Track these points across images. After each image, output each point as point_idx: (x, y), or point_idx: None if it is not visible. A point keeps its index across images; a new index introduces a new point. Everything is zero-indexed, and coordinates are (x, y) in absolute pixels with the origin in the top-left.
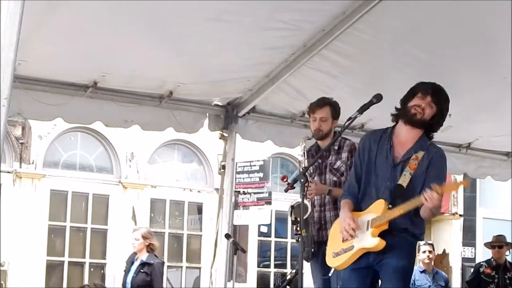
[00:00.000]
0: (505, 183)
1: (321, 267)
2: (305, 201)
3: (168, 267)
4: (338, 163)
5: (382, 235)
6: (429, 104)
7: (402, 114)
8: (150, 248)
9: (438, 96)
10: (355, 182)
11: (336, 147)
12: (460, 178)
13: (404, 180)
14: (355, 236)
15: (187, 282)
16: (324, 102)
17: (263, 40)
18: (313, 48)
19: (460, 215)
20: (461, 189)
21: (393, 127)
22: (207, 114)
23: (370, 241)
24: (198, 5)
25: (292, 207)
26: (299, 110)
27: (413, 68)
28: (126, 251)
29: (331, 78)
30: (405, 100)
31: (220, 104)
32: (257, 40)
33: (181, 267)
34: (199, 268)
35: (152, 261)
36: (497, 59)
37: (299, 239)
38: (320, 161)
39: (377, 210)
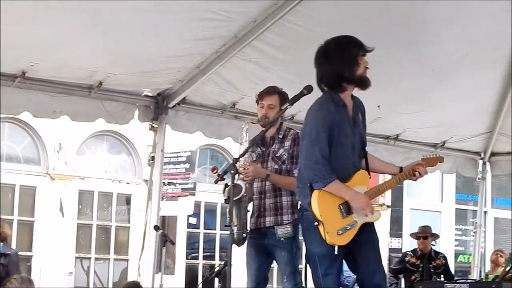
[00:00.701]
0: (433, 174)
1: (256, 256)
2: (240, 182)
3: (96, 259)
4: (281, 151)
5: None
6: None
7: (360, 82)
8: (2, 237)
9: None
10: (329, 156)
11: (280, 136)
12: None
13: (365, 144)
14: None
15: (114, 274)
16: (274, 91)
17: (194, 31)
18: (244, 39)
19: (388, 206)
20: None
21: (336, 93)
22: (137, 105)
23: (373, 215)
24: None
25: (226, 185)
26: (229, 101)
27: None
28: (53, 243)
29: (262, 69)
30: (352, 67)
31: (150, 95)
32: (188, 30)
33: (109, 259)
34: (127, 260)
35: (9, 252)
36: (425, 51)
37: (229, 223)
38: (264, 149)
39: (364, 182)
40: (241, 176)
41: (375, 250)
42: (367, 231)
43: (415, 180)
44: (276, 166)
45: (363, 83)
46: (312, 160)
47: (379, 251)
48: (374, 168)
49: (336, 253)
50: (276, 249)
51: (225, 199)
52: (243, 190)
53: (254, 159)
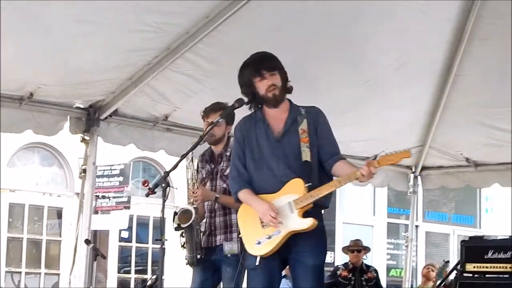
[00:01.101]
0: (364, 188)
1: (202, 271)
2: (189, 207)
3: (26, 273)
4: (229, 169)
5: (307, 214)
6: (272, 77)
7: (265, 101)
8: None
9: (270, 63)
10: (245, 170)
11: (228, 153)
12: None
13: (306, 155)
14: (281, 220)
15: None
16: (219, 107)
17: (126, 42)
18: (177, 51)
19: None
20: (403, 161)
21: (260, 108)
22: (68, 117)
23: (300, 223)
24: (61, 4)
25: (175, 213)
26: (162, 113)
27: None
28: None
29: (195, 81)
30: (249, 89)
31: (82, 106)
32: (120, 42)
33: (40, 273)
34: (58, 274)
35: None
36: (359, 62)
37: (183, 245)
38: (213, 166)
39: (297, 190)
40: (190, 200)
41: (304, 271)
42: (302, 253)
43: (364, 181)
44: (224, 185)
45: (267, 102)
46: (230, 176)
47: (310, 273)
48: (336, 175)
49: (257, 263)
50: (222, 265)
51: (175, 227)
52: (193, 216)
53: (204, 175)
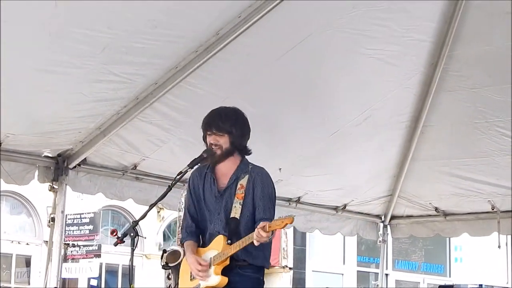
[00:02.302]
0: (334, 237)
1: None
2: (179, 248)
3: None
4: None
5: (225, 271)
6: (217, 137)
7: (205, 158)
8: None
9: (219, 124)
10: (191, 221)
11: None
12: (290, 231)
13: (236, 212)
14: (201, 275)
15: None
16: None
17: (94, 92)
18: (145, 101)
19: (290, 268)
20: (287, 226)
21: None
22: (37, 166)
23: (213, 279)
24: (27, 54)
25: (164, 251)
26: (131, 162)
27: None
28: None
29: (163, 131)
30: (205, 140)
31: (50, 155)
32: (88, 92)
33: None
34: None
35: None
36: (326, 114)
37: (168, 287)
38: None
39: (218, 247)
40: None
41: None
42: None
43: (256, 244)
44: None
45: (206, 159)
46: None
47: None
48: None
49: None
50: None
51: (162, 265)
52: (181, 256)
53: None
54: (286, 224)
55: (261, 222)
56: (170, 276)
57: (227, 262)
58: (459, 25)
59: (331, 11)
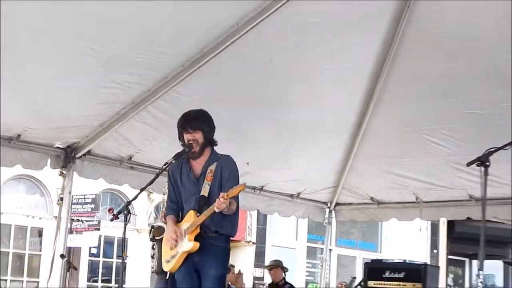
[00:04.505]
0: (289, 219)
1: (164, 279)
2: (163, 224)
3: (11, 281)
4: None
5: (199, 240)
6: (193, 133)
7: (186, 153)
8: None
9: (194, 123)
10: (170, 201)
11: None
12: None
13: (205, 191)
14: (178, 243)
15: None
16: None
17: (99, 96)
18: (140, 105)
19: (253, 243)
20: (241, 192)
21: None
22: (50, 155)
23: (187, 245)
24: (45, 64)
25: (152, 227)
26: (127, 154)
27: (221, 125)
28: None
29: (155, 130)
30: (181, 138)
31: (61, 147)
32: (94, 96)
33: (22, 281)
34: (38, 282)
35: None
36: (286, 121)
37: (152, 255)
38: None
39: (190, 219)
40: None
41: (207, 281)
42: (205, 266)
43: (217, 211)
44: None
45: (187, 153)
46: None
47: (211, 282)
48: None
49: (166, 277)
50: None
51: (150, 238)
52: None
53: None
54: (240, 190)
55: (221, 193)
56: (154, 247)
57: (198, 230)
58: (395, 53)
59: (295, 37)
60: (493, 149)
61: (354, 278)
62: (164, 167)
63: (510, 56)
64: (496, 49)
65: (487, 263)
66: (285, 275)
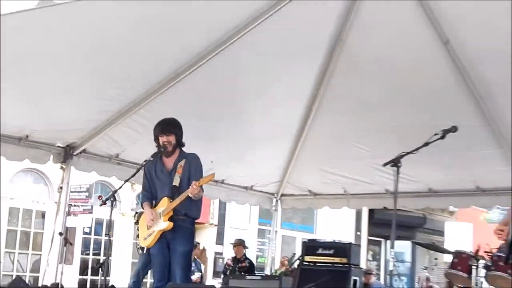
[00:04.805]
0: (244, 206)
1: (147, 256)
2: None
3: (19, 253)
4: None
5: (170, 220)
6: (167, 137)
7: (162, 152)
8: None
9: (168, 128)
10: (146, 191)
11: None
12: (216, 201)
13: (176, 182)
14: (154, 223)
15: (31, 263)
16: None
17: (94, 106)
18: (127, 113)
19: (215, 225)
20: (210, 180)
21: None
22: (52, 152)
23: (162, 224)
24: (52, 78)
25: (136, 213)
26: (115, 152)
27: (194, 130)
28: None
29: (138, 133)
30: (156, 140)
31: (61, 145)
32: (90, 106)
33: (28, 253)
34: (40, 254)
35: None
36: (243, 127)
37: (138, 235)
38: None
39: (164, 205)
40: None
41: (176, 255)
42: (175, 243)
43: (192, 196)
44: None
45: (163, 152)
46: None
47: (180, 256)
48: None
49: (145, 252)
50: None
51: (135, 222)
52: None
53: None
54: (210, 178)
55: (193, 181)
56: (138, 229)
57: (171, 213)
58: (330, 76)
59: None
60: (404, 153)
61: (294, 254)
62: (144, 163)
63: (420, 79)
64: (410, 73)
65: (398, 243)
66: (245, 252)
